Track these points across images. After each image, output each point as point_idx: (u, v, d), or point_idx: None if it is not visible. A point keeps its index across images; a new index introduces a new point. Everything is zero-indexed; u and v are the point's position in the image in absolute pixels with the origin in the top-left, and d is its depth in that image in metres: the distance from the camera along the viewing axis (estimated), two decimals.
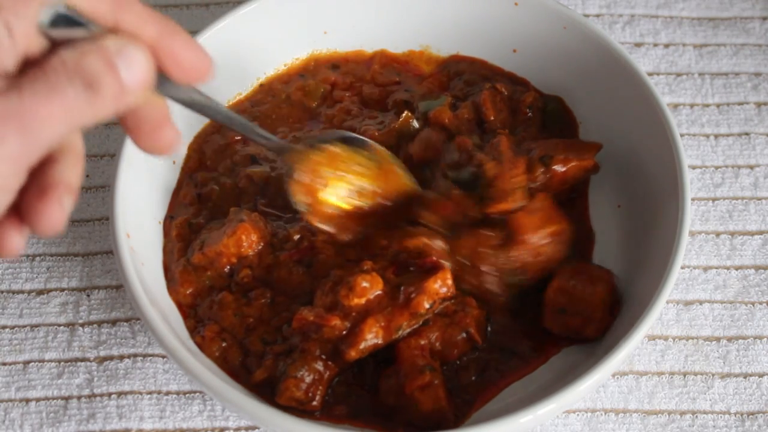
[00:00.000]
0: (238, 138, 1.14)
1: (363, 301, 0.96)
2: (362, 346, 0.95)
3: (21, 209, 0.67)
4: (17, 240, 0.69)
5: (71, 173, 0.69)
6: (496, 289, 1.02)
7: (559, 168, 1.07)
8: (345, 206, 1.03)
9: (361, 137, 1.06)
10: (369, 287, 0.96)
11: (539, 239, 1.02)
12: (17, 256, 0.68)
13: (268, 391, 0.97)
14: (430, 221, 1.03)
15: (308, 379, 0.95)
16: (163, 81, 0.74)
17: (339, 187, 1.03)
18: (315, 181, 1.02)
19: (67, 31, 0.67)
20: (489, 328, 1.02)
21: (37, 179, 0.67)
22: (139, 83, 0.67)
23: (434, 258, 1.00)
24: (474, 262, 1.01)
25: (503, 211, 1.03)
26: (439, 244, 1.01)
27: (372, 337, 0.95)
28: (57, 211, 0.67)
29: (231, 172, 1.11)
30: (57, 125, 0.63)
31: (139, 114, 0.73)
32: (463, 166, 1.07)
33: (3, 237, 0.68)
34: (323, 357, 0.96)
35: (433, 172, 1.09)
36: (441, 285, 0.97)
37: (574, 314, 1.01)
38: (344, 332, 0.96)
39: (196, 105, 0.84)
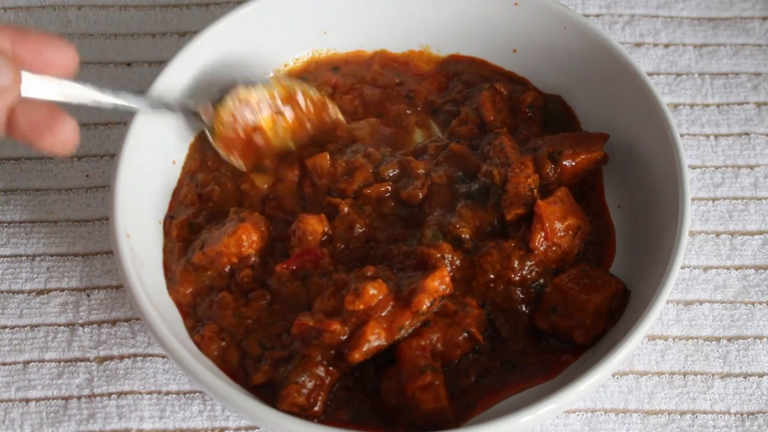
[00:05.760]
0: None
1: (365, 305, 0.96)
2: (365, 348, 0.95)
3: None
4: None
5: None
6: (524, 305, 1.02)
7: (568, 163, 1.08)
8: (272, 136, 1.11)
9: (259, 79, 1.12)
10: (376, 294, 0.96)
11: (559, 229, 1.03)
12: None
13: (266, 392, 0.97)
14: (463, 233, 1.04)
15: (309, 385, 0.95)
16: (37, 82, 0.85)
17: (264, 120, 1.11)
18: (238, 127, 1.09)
19: None
20: (490, 330, 1.02)
21: None
22: (8, 81, 0.79)
23: (429, 255, 1.00)
24: (505, 275, 1.02)
25: (521, 215, 1.04)
26: (453, 260, 1.02)
27: (375, 338, 0.95)
28: None
29: (233, 174, 1.11)
30: None
31: (24, 118, 0.84)
32: (471, 177, 1.08)
33: None
34: (324, 362, 0.96)
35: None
36: (440, 283, 0.97)
37: (564, 316, 1.01)
38: (344, 337, 0.96)
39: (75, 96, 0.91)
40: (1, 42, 0.82)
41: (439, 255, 1.01)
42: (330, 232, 1.05)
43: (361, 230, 1.06)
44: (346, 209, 1.06)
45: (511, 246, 1.02)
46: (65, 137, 0.86)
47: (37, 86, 0.85)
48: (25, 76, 0.84)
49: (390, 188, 1.09)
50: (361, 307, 0.95)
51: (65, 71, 0.87)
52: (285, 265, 1.03)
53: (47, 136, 0.85)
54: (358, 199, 1.08)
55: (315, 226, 1.04)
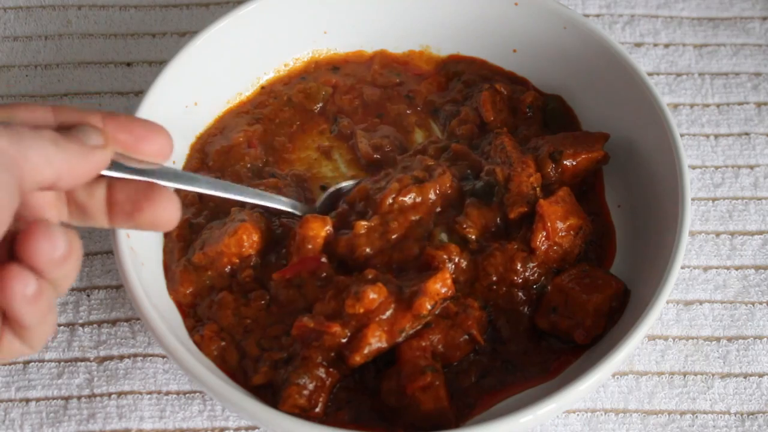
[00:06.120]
0: (242, 139, 1.14)
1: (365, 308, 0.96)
2: (366, 350, 0.95)
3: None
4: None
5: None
6: (525, 306, 1.02)
7: (569, 162, 1.08)
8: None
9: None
10: (377, 298, 0.96)
11: (560, 229, 1.03)
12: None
13: (266, 392, 0.97)
14: (469, 233, 1.04)
15: (311, 387, 0.95)
16: (133, 166, 0.83)
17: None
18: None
19: None
20: (491, 331, 1.02)
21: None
22: (99, 141, 0.78)
23: (433, 257, 1.00)
24: (508, 277, 1.02)
25: (524, 213, 1.04)
26: (459, 263, 1.02)
27: (375, 341, 0.95)
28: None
29: (237, 178, 1.11)
30: (41, 172, 0.74)
31: (122, 195, 0.83)
32: (474, 176, 1.08)
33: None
34: (325, 364, 0.96)
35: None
36: (441, 285, 0.97)
37: (565, 316, 1.01)
38: (344, 339, 0.96)
39: (177, 178, 0.88)
40: (92, 120, 0.81)
41: (445, 257, 1.01)
42: (332, 235, 1.04)
43: (365, 252, 1.05)
44: (362, 231, 1.03)
45: (514, 248, 1.02)
46: (166, 209, 0.83)
47: (131, 165, 0.83)
48: (119, 156, 0.82)
49: (415, 193, 1.05)
50: (361, 310, 0.95)
51: (159, 154, 0.84)
52: (281, 274, 1.02)
53: (147, 209, 0.82)
54: (389, 213, 1.05)
55: (317, 230, 1.03)
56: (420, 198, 1.05)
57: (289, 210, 1.06)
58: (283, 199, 1.07)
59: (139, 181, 0.83)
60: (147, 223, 0.83)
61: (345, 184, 1.11)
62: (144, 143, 0.83)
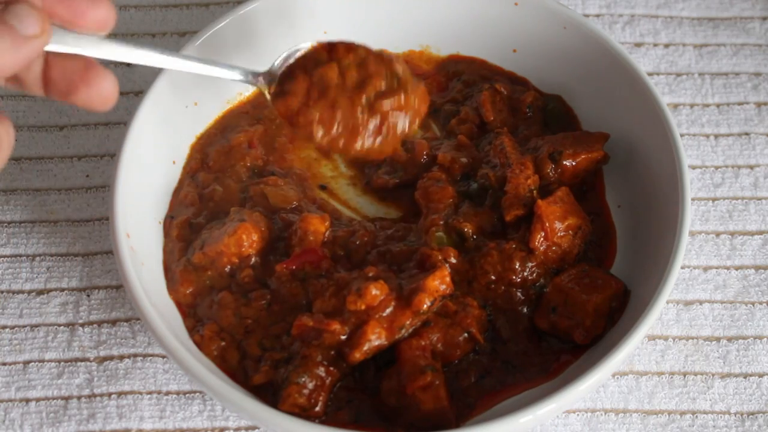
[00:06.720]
0: (242, 139, 1.13)
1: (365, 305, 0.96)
2: (366, 347, 0.95)
3: None
4: None
5: None
6: (524, 306, 1.02)
7: (569, 163, 1.08)
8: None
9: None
10: (378, 294, 0.96)
11: (559, 229, 1.03)
12: None
13: (266, 392, 0.97)
14: (465, 227, 1.04)
15: (310, 386, 0.95)
16: (67, 36, 0.81)
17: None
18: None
19: None
20: (491, 331, 1.02)
21: None
22: (34, 30, 0.76)
23: (429, 256, 1.01)
24: (507, 276, 1.02)
25: (520, 216, 1.04)
26: (453, 263, 1.02)
27: (375, 337, 0.95)
28: None
29: (237, 178, 1.11)
30: None
31: (58, 73, 0.81)
32: (471, 176, 1.08)
33: None
34: (325, 363, 0.96)
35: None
36: (440, 282, 0.97)
37: (564, 316, 1.01)
38: (344, 337, 0.96)
39: (112, 50, 0.86)
40: None
41: (441, 257, 1.01)
42: (331, 235, 1.05)
43: (365, 239, 1.05)
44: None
45: (512, 247, 1.03)
46: (101, 91, 0.82)
47: (68, 40, 0.81)
48: (56, 30, 0.80)
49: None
50: (363, 307, 0.95)
51: (100, 26, 0.83)
52: (285, 265, 1.02)
53: (82, 89, 0.82)
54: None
55: (317, 225, 1.04)
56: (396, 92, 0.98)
57: (239, 79, 0.98)
58: (232, 68, 0.98)
59: (76, 59, 0.82)
60: (82, 102, 0.83)
61: (303, 45, 1.01)
62: (83, 18, 0.82)
